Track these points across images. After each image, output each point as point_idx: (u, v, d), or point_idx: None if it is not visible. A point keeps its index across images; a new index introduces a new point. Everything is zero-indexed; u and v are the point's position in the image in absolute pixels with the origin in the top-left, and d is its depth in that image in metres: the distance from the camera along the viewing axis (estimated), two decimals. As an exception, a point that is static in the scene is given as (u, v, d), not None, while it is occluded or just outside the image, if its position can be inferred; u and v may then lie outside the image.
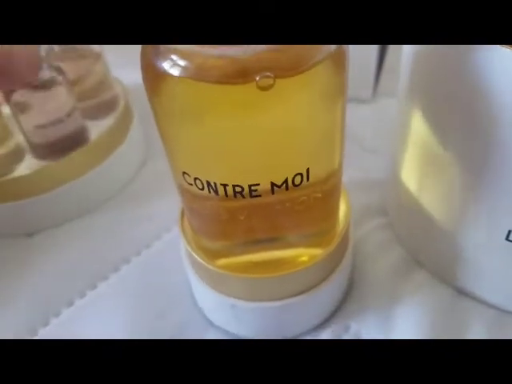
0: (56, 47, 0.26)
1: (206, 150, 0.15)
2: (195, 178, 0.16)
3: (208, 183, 0.16)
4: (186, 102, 0.14)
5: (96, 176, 0.27)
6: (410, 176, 0.21)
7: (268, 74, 0.13)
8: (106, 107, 0.28)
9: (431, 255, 0.22)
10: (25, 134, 0.25)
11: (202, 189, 0.16)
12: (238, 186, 0.15)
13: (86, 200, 0.27)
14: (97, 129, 0.27)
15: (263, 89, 0.13)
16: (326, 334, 0.21)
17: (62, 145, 0.26)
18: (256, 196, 0.16)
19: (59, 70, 0.25)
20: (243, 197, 0.16)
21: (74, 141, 0.26)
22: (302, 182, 0.16)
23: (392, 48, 0.36)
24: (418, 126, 0.20)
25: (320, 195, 0.17)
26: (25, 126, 0.25)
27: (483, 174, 0.18)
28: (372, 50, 0.31)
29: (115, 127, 0.28)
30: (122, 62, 0.30)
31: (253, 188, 0.15)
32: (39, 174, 0.25)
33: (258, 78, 0.13)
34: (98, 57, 0.27)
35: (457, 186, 0.19)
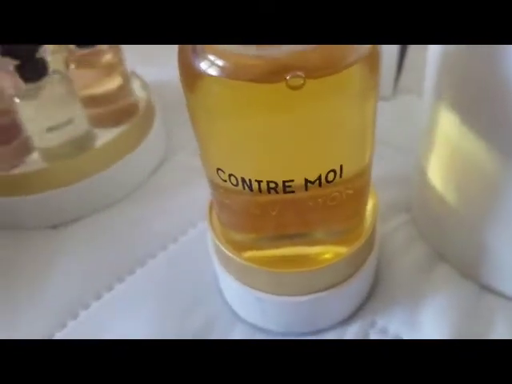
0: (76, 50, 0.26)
1: (242, 147, 0.15)
2: (230, 175, 0.16)
3: (243, 180, 0.16)
4: (223, 101, 0.15)
5: (120, 169, 0.27)
6: (435, 172, 0.21)
7: (299, 73, 0.13)
8: (126, 113, 0.29)
9: (456, 251, 0.22)
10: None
11: (237, 185, 0.16)
12: (272, 182, 0.16)
13: (109, 194, 0.28)
14: (117, 130, 0.28)
15: (293, 88, 0.13)
16: (352, 329, 0.21)
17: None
18: (289, 192, 0.16)
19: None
20: (277, 193, 0.16)
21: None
22: (335, 178, 0.16)
23: (412, 45, 0.36)
24: (446, 123, 0.20)
25: (352, 191, 0.17)
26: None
27: (510, 172, 0.18)
28: (393, 47, 0.32)
29: (136, 128, 0.28)
30: (144, 59, 0.31)
31: (287, 184, 0.16)
32: (61, 167, 0.26)
33: (288, 78, 0.13)
34: (118, 63, 0.27)
35: (483, 182, 0.19)
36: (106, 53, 0.26)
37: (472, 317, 0.21)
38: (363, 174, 0.17)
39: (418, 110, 0.23)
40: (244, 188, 0.16)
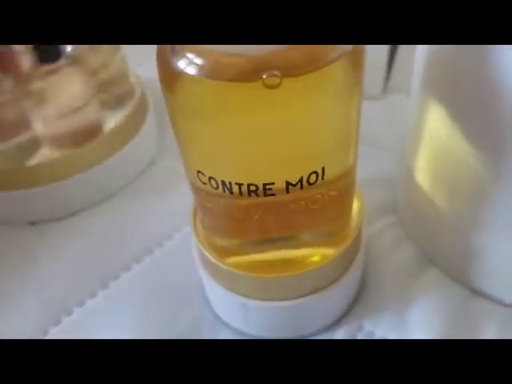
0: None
1: (221, 150, 0.15)
2: (210, 178, 0.16)
3: (223, 182, 0.15)
4: (201, 101, 0.14)
5: (107, 168, 0.27)
6: (422, 173, 0.21)
7: (275, 72, 0.13)
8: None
9: (444, 254, 0.22)
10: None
11: (217, 188, 0.16)
12: (252, 185, 0.15)
13: (94, 193, 0.27)
14: (112, 120, 0.27)
15: (270, 87, 0.13)
16: (339, 334, 0.21)
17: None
18: (270, 195, 0.16)
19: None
20: (257, 196, 0.16)
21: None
22: (317, 180, 0.15)
23: (403, 45, 0.35)
24: (432, 124, 0.19)
25: (335, 193, 0.17)
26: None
27: (499, 172, 0.18)
28: (382, 46, 0.31)
29: (131, 117, 0.28)
30: (137, 57, 0.30)
31: (267, 187, 0.15)
32: (51, 163, 0.25)
33: (264, 77, 0.13)
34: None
35: (471, 183, 0.19)
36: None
37: (461, 321, 0.20)
38: (347, 176, 0.17)
39: (407, 110, 0.22)
40: (224, 191, 0.16)
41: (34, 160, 0.25)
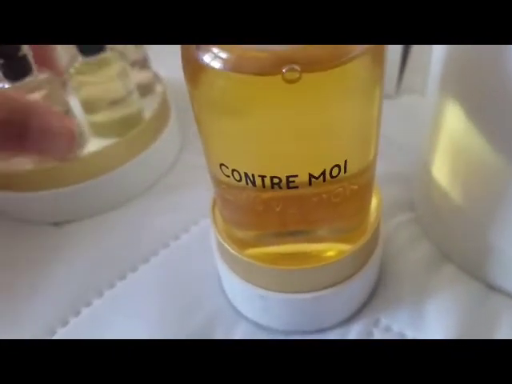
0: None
1: (245, 142, 0.15)
2: (233, 170, 0.16)
3: (246, 175, 0.16)
4: (225, 94, 0.14)
5: (131, 168, 0.27)
6: (440, 171, 0.21)
7: (295, 66, 0.13)
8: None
9: (461, 250, 0.22)
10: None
11: (240, 180, 0.16)
12: (275, 177, 0.15)
13: (116, 193, 0.28)
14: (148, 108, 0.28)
15: (289, 81, 0.13)
16: (355, 328, 0.21)
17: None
18: (293, 188, 0.16)
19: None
20: (280, 188, 0.16)
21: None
22: (339, 173, 0.16)
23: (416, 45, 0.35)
24: (450, 123, 0.20)
25: (356, 187, 0.17)
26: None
27: (517, 169, 0.18)
28: (396, 46, 0.32)
29: (161, 108, 0.28)
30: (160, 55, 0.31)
31: (290, 179, 0.15)
32: (71, 165, 0.26)
33: (284, 71, 0.13)
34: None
35: (489, 181, 0.19)
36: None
37: (477, 316, 0.20)
38: (368, 170, 0.17)
39: (422, 109, 0.23)
40: (247, 183, 0.16)
41: (83, 153, 0.26)
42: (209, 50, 0.14)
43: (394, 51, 0.32)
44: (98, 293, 0.23)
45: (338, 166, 0.15)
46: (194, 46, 0.15)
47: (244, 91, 0.14)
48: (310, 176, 0.15)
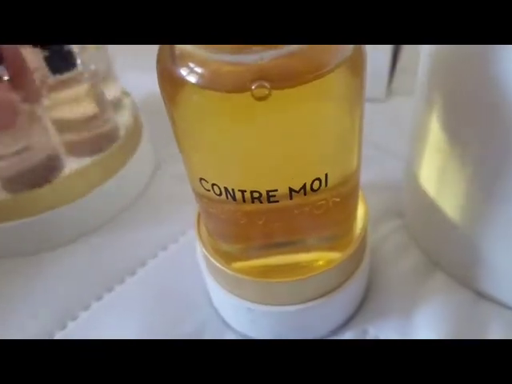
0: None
1: (223, 157, 0.15)
2: (213, 184, 0.16)
3: (226, 189, 0.16)
4: (200, 109, 0.14)
5: (110, 188, 0.27)
6: (428, 177, 0.21)
7: (264, 83, 0.13)
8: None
9: (449, 258, 0.22)
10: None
11: (220, 194, 0.16)
12: (255, 191, 0.15)
13: (100, 212, 0.27)
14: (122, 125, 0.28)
15: (259, 99, 0.13)
16: (344, 338, 0.20)
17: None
18: (274, 201, 0.16)
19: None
20: (261, 202, 0.16)
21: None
22: (320, 186, 0.15)
23: (406, 47, 0.35)
24: (438, 127, 0.19)
25: (338, 199, 0.17)
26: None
27: (504, 176, 0.17)
28: (386, 49, 0.31)
29: (128, 130, 0.28)
30: (130, 68, 0.31)
31: (271, 194, 0.15)
32: (59, 187, 0.25)
33: (253, 88, 0.13)
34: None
35: (477, 187, 0.19)
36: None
37: (467, 324, 0.20)
38: (350, 182, 0.17)
39: (411, 113, 0.22)
40: (227, 198, 0.16)
41: (60, 176, 0.25)
42: (185, 65, 0.14)
43: (383, 53, 0.31)
44: (85, 305, 0.23)
45: (318, 179, 0.15)
46: (170, 61, 0.14)
47: (217, 107, 0.14)
48: (291, 190, 0.15)
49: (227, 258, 0.19)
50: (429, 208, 0.21)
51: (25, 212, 0.25)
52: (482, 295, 0.21)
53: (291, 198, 0.16)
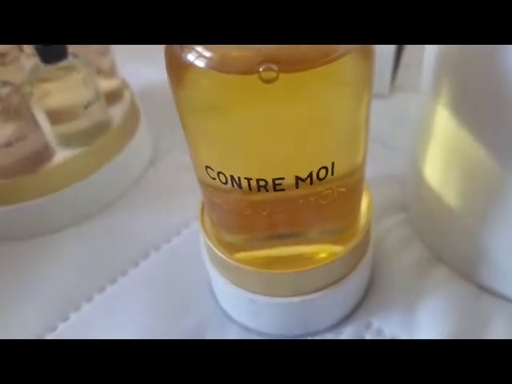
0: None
1: (230, 143, 0.15)
2: (218, 173, 0.16)
3: (232, 177, 0.15)
4: (208, 93, 0.14)
5: (107, 173, 0.27)
6: (432, 172, 0.21)
7: (272, 66, 0.13)
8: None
9: (453, 252, 0.22)
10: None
11: (226, 183, 0.16)
12: (262, 179, 0.15)
13: (99, 197, 0.27)
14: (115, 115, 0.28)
15: (266, 81, 0.13)
16: (347, 331, 0.20)
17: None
18: (280, 190, 0.15)
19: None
20: (267, 191, 0.16)
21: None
22: (326, 175, 0.15)
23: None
24: (443, 122, 0.19)
25: (344, 190, 0.17)
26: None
27: (509, 172, 0.17)
28: (389, 45, 0.31)
29: (130, 112, 0.28)
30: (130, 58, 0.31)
31: (277, 182, 0.15)
32: (58, 170, 0.25)
33: (261, 70, 0.13)
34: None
35: (481, 182, 0.19)
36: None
37: (470, 318, 0.20)
38: (356, 172, 0.17)
39: (415, 108, 0.22)
40: (233, 186, 0.16)
41: (50, 165, 0.25)
42: (192, 49, 0.14)
43: (387, 49, 0.31)
44: (88, 297, 0.23)
45: (325, 167, 0.15)
46: (178, 46, 0.14)
47: (225, 90, 0.14)
48: (297, 178, 0.15)
49: (230, 248, 0.19)
50: (433, 202, 0.21)
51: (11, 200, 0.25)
52: (484, 289, 0.21)
53: (297, 187, 0.15)
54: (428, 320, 0.20)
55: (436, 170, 0.21)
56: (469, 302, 0.21)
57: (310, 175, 0.15)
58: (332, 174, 0.16)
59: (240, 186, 0.16)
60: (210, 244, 0.19)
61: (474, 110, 0.18)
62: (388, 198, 0.25)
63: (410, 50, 0.35)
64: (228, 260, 0.19)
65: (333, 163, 0.15)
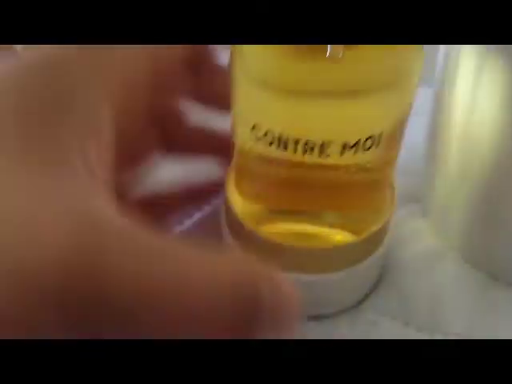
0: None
1: (284, 99, 0.15)
2: (266, 132, 0.16)
3: (279, 138, 0.16)
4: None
5: None
6: (447, 163, 0.21)
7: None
8: None
9: (466, 243, 0.22)
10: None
11: (271, 144, 0.16)
12: (310, 141, 0.15)
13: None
14: None
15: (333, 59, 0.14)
16: (361, 316, 0.21)
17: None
18: (325, 156, 0.16)
19: None
20: (311, 155, 0.16)
21: None
22: (371, 146, 0.16)
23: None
24: (461, 116, 0.20)
25: (381, 165, 0.17)
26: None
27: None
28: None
29: None
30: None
31: (325, 146, 0.15)
32: None
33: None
34: None
35: (497, 174, 0.19)
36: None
37: (481, 307, 0.21)
38: (394, 148, 0.17)
39: (429, 101, 0.23)
40: (279, 146, 0.16)
41: None
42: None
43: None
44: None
45: (372, 137, 0.16)
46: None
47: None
48: (344, 145, 0.16)
49: (254, 221, 0.19)
50: (447, 194, 0.22)
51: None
52: (496, 279, 0.21)
53: (342, 155, 0.16)
54: (439, 309, 0.20)
55: (451, 162, 0.21)
56: (481, 291, 0.21)
57: (358, 143, 0.16)
58: (377, 146, 0.16)
59: (286, 147, 0.16)
60: (235, 212, 0.19)
61: (490, 101, 0.18)
62: (401, 188, 0.25)
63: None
64: (251, 231, 0.19)
65: (380, 134, 0.16)
